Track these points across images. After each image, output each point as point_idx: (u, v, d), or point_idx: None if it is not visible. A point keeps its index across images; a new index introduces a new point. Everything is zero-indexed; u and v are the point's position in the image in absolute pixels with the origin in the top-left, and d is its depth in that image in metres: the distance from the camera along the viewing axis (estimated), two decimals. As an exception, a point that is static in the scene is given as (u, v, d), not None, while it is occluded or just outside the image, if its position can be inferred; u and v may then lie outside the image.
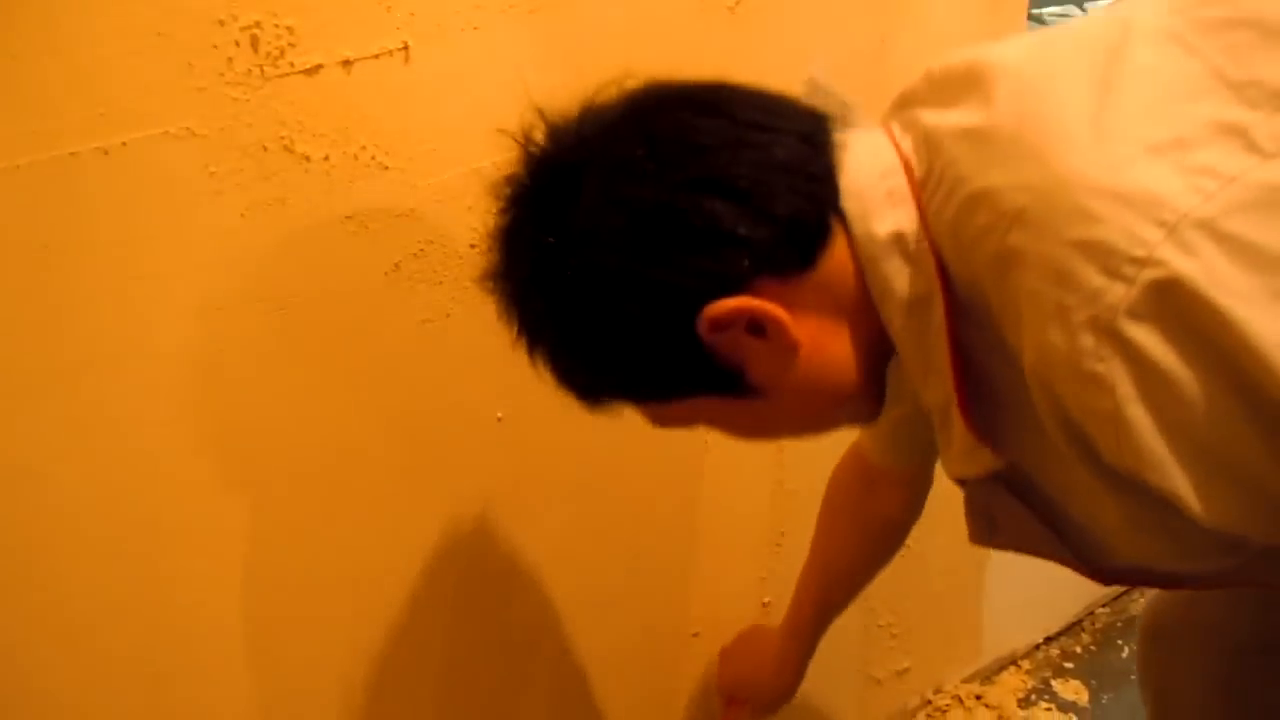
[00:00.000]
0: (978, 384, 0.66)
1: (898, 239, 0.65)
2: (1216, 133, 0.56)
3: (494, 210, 0.73)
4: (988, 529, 0.76)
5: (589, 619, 1.20)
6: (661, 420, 0.76)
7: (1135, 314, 0.54)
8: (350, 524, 0.98)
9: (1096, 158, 0.56)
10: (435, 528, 1.04)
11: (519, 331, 0.73)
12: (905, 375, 0.71)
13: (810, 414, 0.74)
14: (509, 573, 1.11)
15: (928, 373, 0.67)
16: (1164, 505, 0.58)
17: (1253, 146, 0.55)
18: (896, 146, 0.67)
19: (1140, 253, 0.54)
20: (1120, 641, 1.80)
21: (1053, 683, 1.71)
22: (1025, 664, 1.75)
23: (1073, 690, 1.69)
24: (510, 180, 0.72)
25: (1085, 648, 1.80)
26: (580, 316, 0.68)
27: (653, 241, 0.65)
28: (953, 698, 1.65)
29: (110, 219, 0.79)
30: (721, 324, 0.65)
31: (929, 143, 0.65)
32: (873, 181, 0.66)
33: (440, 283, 0.97)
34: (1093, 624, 1.85)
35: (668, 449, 1.20)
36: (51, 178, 0.76)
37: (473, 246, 0.97)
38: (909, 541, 1.13)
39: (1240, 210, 0.54)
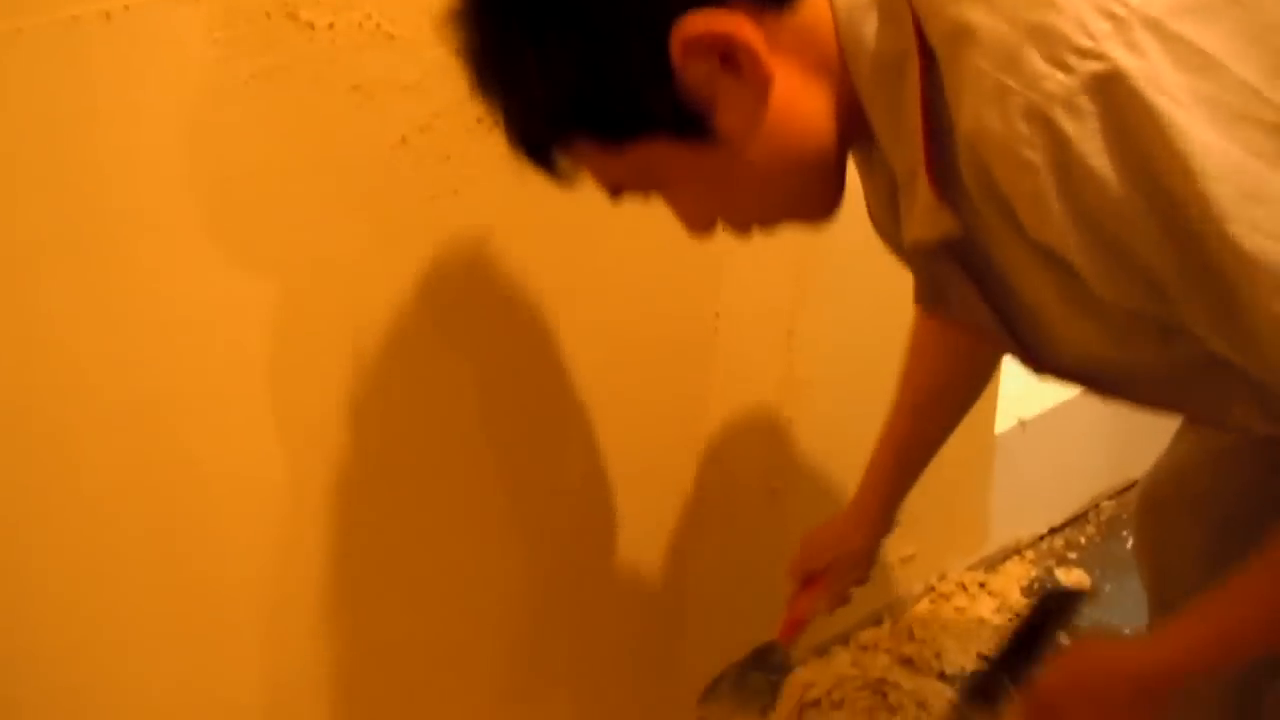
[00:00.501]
0: (941, 151, 0.65)
1: None
2: None
3: None
4: (935, 295, 0.77)
5: (599, 505, 1.21)
6: (615, 180, 0.72)
7: (1071, 105, 0.55)
8: (354, 396, 0.99)
9: None
10: (438, 402, 1.05)
11: (478, 68, 0.68)
12: (877, 140, 0.69)
13: (775, 174, 0.69)
14: (520, 445, 1.12)
15: (898, 136, 0.67)
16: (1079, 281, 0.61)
17: None
18: None
19: (1086, 44, 0.54)
20: (1125, 533, 1.81)
21: (1056, 571, 1.73)
22: (1029, 554, 1.78)
23: (1076, 579, 1.71)
24: None
25: (1090, 539, 1.82)
26: (553, 29, 0.64)
27: None
28: (957, 584, 1.68)
29: (112, 84, 0.79)
30: (694, 45, 0.62)
31: None
32: None
33: (448, 158, 0.96)
34: (1098, 516, 1.87)
35: (678, 330, 1.20)
36: (53, 41, 0.76)
37: (480, 121, 0.96)
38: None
39: (1187, 12, 0.55)
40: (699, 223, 0.76)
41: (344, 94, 0.89)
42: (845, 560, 1.14)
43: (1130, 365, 0.73)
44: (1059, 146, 0.56)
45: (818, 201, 0.75)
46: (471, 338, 1.05)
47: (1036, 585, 1.70)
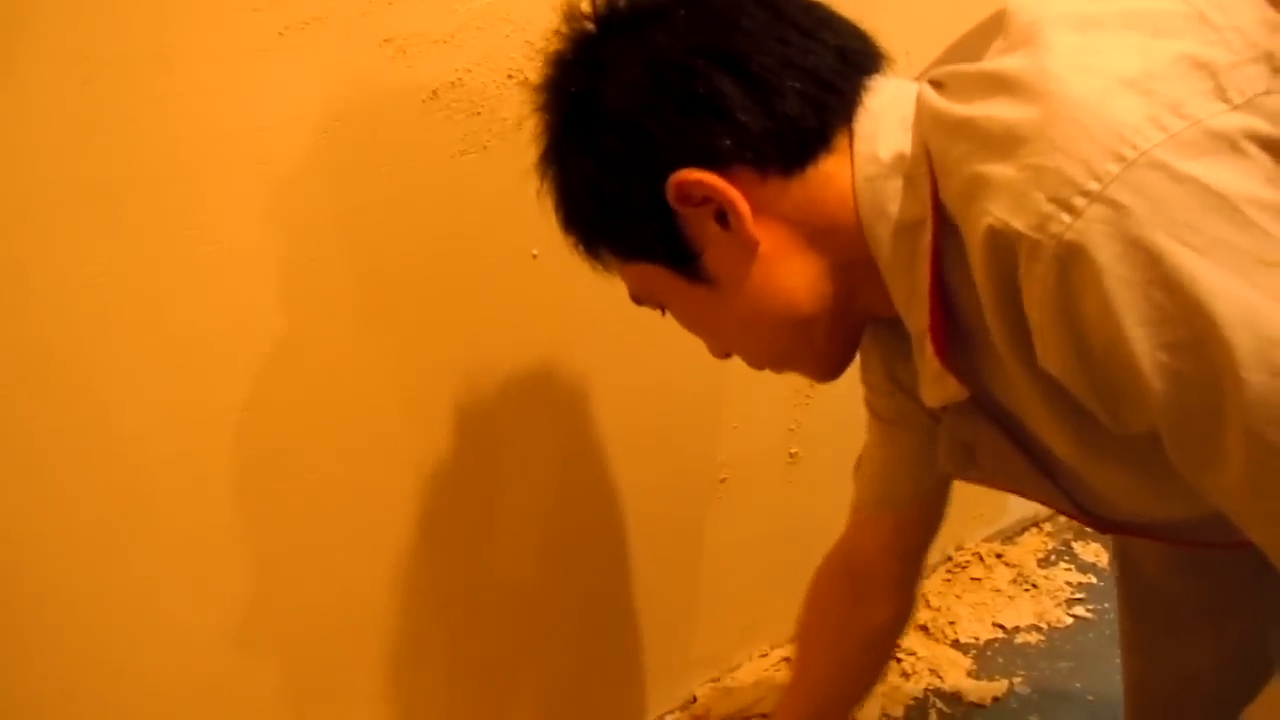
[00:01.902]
0: (956, 316, 0.66)
1: (899, 160, 0.66)
2: (1189, 67, 0.56)
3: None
4: (964, 459, 0.77)
5: (619, 458, 1.22)
6: (632, 288, 0.77)
7: (1075, 247, 0.54)
8: (378, 347, 1.00)
9: (1070, 91, 0.56)
10: (464, 358, 1.06)
11: (539, 165, 0.75)
12: (894, 296, 0.70)
13: (759, 327, 0.73)
14: (537, 407, 1.13)
15: (911, 298, 0.68)
16: (1090, 415, 0.61)
17: (1221, 93, 0.55)
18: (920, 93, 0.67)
19: (1093, 186, 0.54)
20: (1144, 508, 1.82)
21: (1073, 545, 1.74)
22: (1047, 526, 1.78)
23: (1093, 553, 1.71)
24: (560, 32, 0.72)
25: (1108, 513, 1.82)
26: (577, 147, 0.71)
27: (654, 92, 0.66)
28: (973, 554, 1.68)
29: (148, 32, 0.79)
30: (687, 195, 0.67)
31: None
32: (891, 108, 0.67)
33: (478, 113, 0.97)
34: (1117, 491, 1.87)
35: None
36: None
37: (510, 77, 0.97)
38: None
39: (1196, 153, 0.54)
40: (713, 349, 0.80)
41: (376, 47, 0.89)
42: None
43: (1181, 518, 0.73)
44: (1064, 287, 0.55)
45: (814, 359, 0.77)
46: (492, 291, 1.05)
47: (1053, 557, 1.70)
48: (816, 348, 0.75)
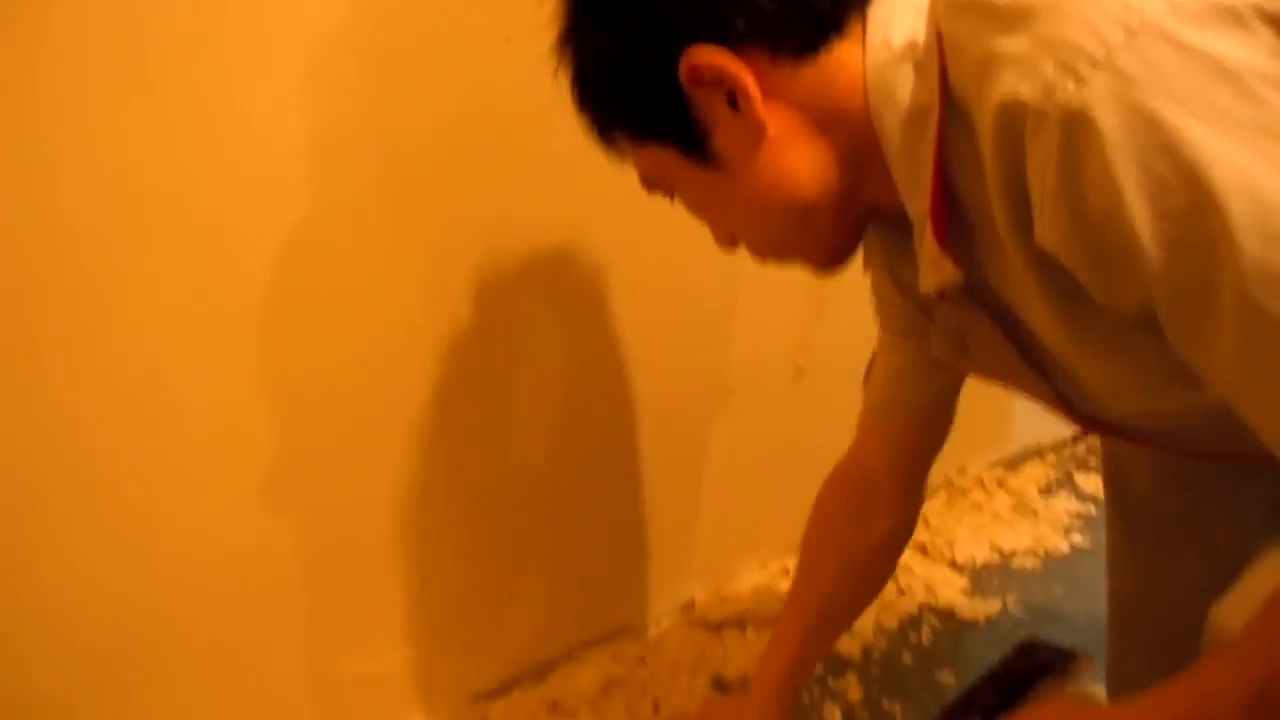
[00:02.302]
0: (957, 203, 0.67)
1: (910, 47, 0.66)
2: None
3: None
4: (955, 348, 0.78)
5: (628, 367, 1.24)
6: (642, 172, 0.78)
7: (1081, 114, 0.55)
8: (401, 229, 1.02)
9: None
10: (483, 240, 1.08)
11: (557, 45, 0.75)
12: (899, 184, 0.71)
13: (764, 212, 0.74)
14: (552, 301, 1.15)
15: (915, 186, 0.69)
16: (1081, 297, 0.62)
17: None
18: None
19: (1099, 53, 0.55)
20: (1147, 444, 1.83)
21: (1075, 475, 1.76)
22: (1050, 457, 1.80)
23: (1094, 484, 1.73)
24: None
25: (1112, 447, 1.84)
26: (593, 25, 0.72)
27: None
28: (975, 480, 1.71)
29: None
30: (699, 76, 0.68)
31: None
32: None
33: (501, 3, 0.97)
34: (1122, 426, 1.88)
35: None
36: None
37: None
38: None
39: (1202, 24, 0.54)
40: (718, 237, 0.81)
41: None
42: None
43: (1169, 416, 0.73)
44: (1068, 153, 0.56)
45: (816, 248, 0.78)
46: (512, 182, 1.06)
47: (1055, 487, 1.72)
48: (820, 236, 0.76)
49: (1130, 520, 1.11)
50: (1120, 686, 1.14)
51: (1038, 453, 1.79)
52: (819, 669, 1.34)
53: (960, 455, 1.69)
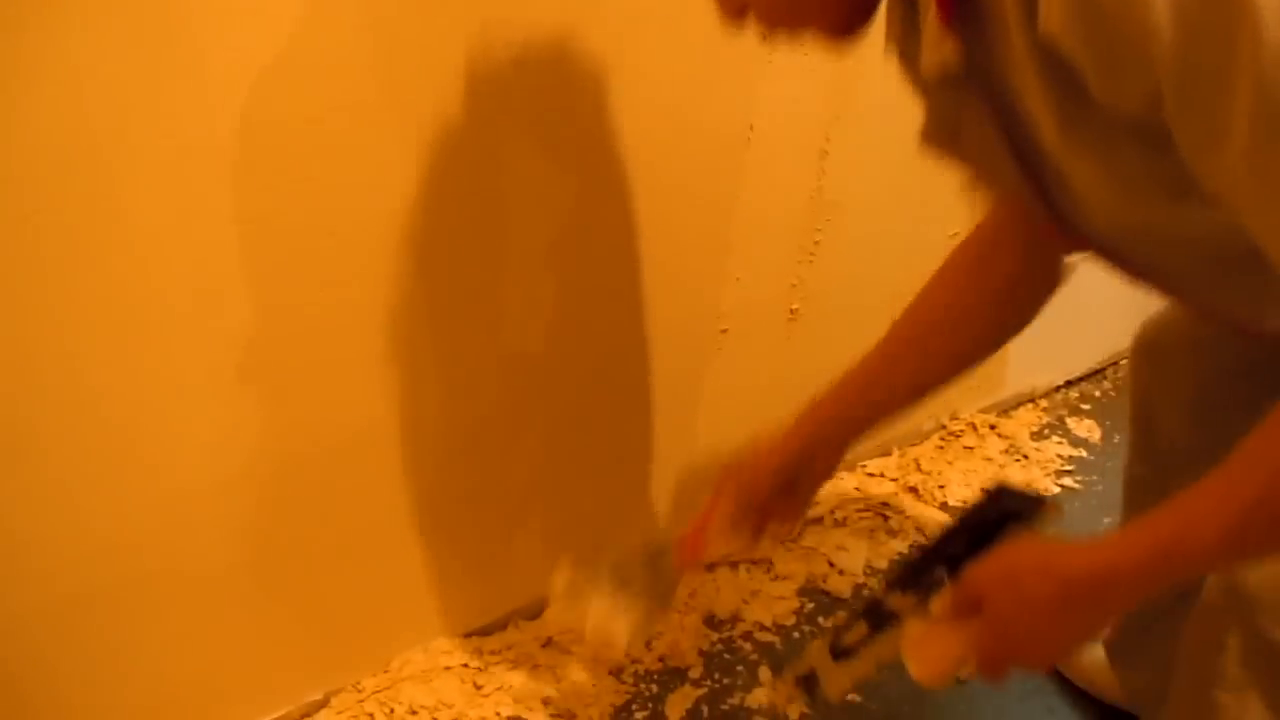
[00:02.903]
0: None
1: None
2: None
3: None
4: (948, 135, 0.77)
5: (622, 307, 1.24)
6: None
7: None
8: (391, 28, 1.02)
9: None
10: (486, 189, 1.08)
11: None
12: None
13: None
14: (543, 250, 1.15)
15: None
16: (1079, 94, 0.60)
17: None
18: None
19: None
20: (1140, 390, 1.84)
21: (1067, 420, 1.77)
22: (1043, 402, 1.81)
23: (1086, 428, 1.74)
24: None
25: (1105, 392, 1.84)
26: None
27: None
28: (968, 424, 1.71)
29: None
30: None
31: None
32: None
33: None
34: (1115, 373, 1.89)
35: (710, 141, 1.21)
36: None
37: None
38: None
39: None
40: (729, 6, 0.76)
41: None
42: (753, 481, 1.02)
43: (1153, 239, 0.72)
44: None
45: (828, 12, 0.75)
46: (518, 151, 1.06)
47: (1047, 431, 1.73)
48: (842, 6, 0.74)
49: (1159, 458, 1.09)
50: (1131, 619, 1.16)
51: (1030, 398, 1.80)
52: (811, 606, 1.36)
53: (953, 400, 1.70)
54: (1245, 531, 0.62)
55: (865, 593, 0.92)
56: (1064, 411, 1.79)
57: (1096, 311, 1.85)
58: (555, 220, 1.14)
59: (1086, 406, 1.81)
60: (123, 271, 0.90)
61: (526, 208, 1.11)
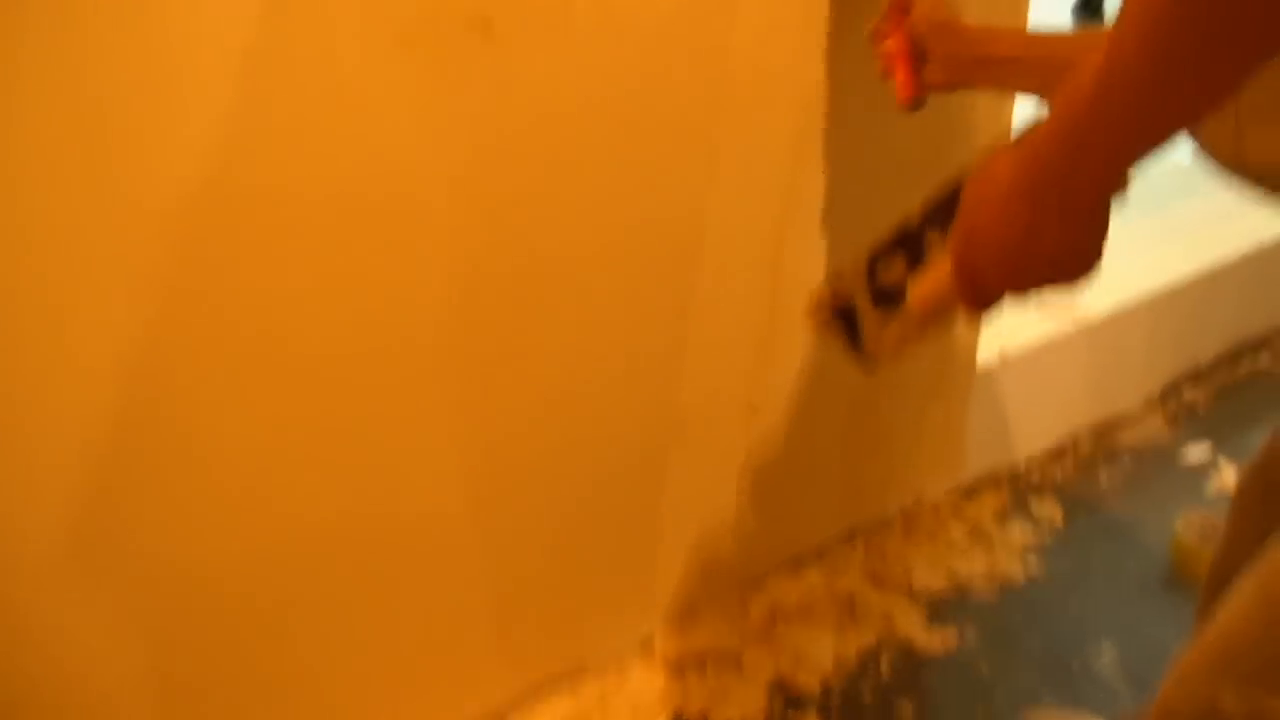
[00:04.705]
0: None
1: None
2: None
3: None
4: None
5: (579, 407, 1.24)
6: None
7: None
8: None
9: None
10: (423, 273, 1.08)
11: None
12: None
13: None
14: (498, 347, 1.15)
15: None
16: None
17: None
18: None
19: None
20: (1100, 470, 1.86)
21: (1030, 500, 1.77)
22: (1005, 483, 1.82)
23: (1048, 509, 1.75)
24: None
25: (1065, 471, 1.86)
26: None
27: None
28: (931, 508, 1.72)
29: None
30: None
31: None
32: None
33: (443, 60, 0.97)
34: (1076, 451, 1.90)
35: (664, 240, 1.22)
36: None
37: (473, 21, 0.97)
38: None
39: None
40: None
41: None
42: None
43: None
44: None
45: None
46: (474, 233, 1.07)
47: (1010, 513, 1.74)
48: None
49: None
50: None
51: (993, 480, 1.81)
52: (780, 702, 1.35)
53: (916, 484, 1.71)
54: (1170, 23, 0.56)
55: (900, 223, 0.89)
56: (1026, 492, 1.79)
57: (1053, 391, 1.87)
58: (510, 325, 1.14)
59: (1048, 487, 1.82)
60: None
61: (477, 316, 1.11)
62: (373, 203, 0.99)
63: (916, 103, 1.12)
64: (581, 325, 1.19)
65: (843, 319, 0.93)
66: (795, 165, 1.29)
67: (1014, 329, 1.77)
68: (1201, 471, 1.87)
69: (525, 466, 1.22)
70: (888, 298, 0.88)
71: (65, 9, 0.80)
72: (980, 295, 0.76)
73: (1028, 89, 1.08)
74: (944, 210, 0.83)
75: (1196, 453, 1.92)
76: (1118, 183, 0.67)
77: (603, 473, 1.30)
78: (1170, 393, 2.09)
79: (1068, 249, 0.70)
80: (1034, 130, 0.68)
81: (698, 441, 1.36)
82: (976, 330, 1.65)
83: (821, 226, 1.34)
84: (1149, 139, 0.62)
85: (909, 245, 0.86)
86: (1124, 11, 0.58)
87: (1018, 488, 1.81)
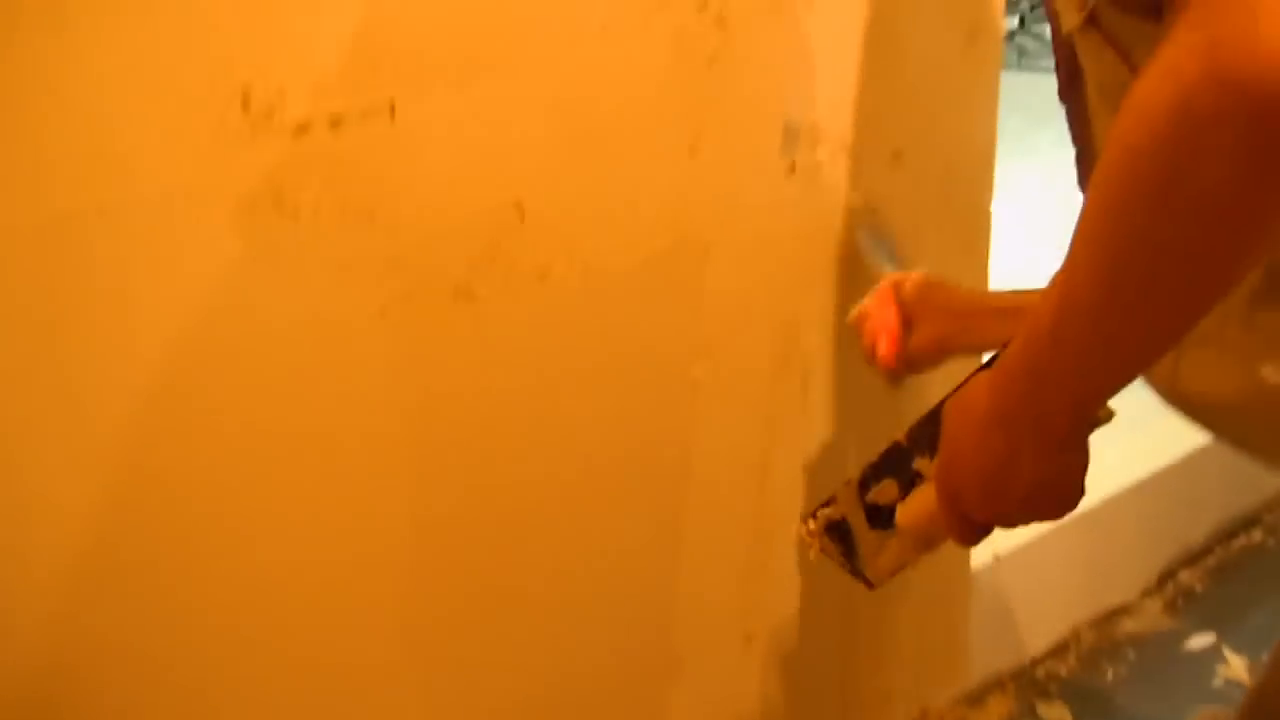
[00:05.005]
0: None
1: None
2: None
3: None
4: (1068, 88, 0.80)
5: (567, 644, 1.22)
6: None
7: None
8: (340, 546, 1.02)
9: None
10: (409, 535, 1.07)
11: None
12: None
13: None
14: (477, 592, 1.14)
15: None
16: None
17: None
18: None
19: None
20: (1105, 664, 1.83)
21: (1038, 706, 1.74)
22: (1011, 686, 1.78)
23: (1057, 713, 1.72)
24: None
25: (1070, 670, 1.83)
26: None
27: None
28: (937, 719, 1.68)
29: (108, 274, 0.83)
30: None
31: None
32: None
33: (426, 328, 1.01)
34: (1078, 645, 1.88)
35: (647, 467, 1.23)
36: (49, 236, 0.80)
37: (456, 293, 1.01)
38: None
39: None
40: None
41: (327, 271, 0.94)
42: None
43: None
44: None
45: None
46: (446, 496, 1.08)
47: (1018, 718, 1.70)
48: None
49: None
50: None
51: (999, 684, 1.78)
52: None
53: (921, 695, 1.67)
54: (1116, 254, 0.55)
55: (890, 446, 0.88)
56: (1033, 695, 1.76)
57: (1050, 588, 1.86)
58: (491, 566, 1.14)
59: (1054, 687, 1.78)
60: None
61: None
62: (343, 455, 1.00)
63: (900, 372, 1.14)
64: (568, 569, 1.19)
65: (838, 540, 0.93)
66: (775, 393, 1.31)
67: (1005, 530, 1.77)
68: (1206, 660, 1.84)
69: (509, 717, 1.20)
70: (882, 519, 0.88)
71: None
72: (965, 526, 0.75)
73: None
74: (930, 433, 0.83)
75: (1199, 640, 1.89)
76: (1090, 415, 0.67)
77: (595, 709, 1.27)
78: (1167, 577, 2.08)
79: (1046, 482, 0.69)
80: (1005, 358, 0.67)
81: (695, 678, 1.34)
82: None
83: (807, 451, 1.36)
84: (1111, 371, 0.62)
85: (898, 468, 0.87)
86: (1075, 237, 0.58)
87: (1023, 690, 1.77)
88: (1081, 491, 0.71)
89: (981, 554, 1.70)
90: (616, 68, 1.06)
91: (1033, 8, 5.64)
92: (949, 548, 1.09)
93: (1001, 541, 1.75)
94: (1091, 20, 0.67)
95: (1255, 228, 0.51)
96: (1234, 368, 0.78)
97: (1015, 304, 1.06)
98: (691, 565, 1.31)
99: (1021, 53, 4.71)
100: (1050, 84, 0.87)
